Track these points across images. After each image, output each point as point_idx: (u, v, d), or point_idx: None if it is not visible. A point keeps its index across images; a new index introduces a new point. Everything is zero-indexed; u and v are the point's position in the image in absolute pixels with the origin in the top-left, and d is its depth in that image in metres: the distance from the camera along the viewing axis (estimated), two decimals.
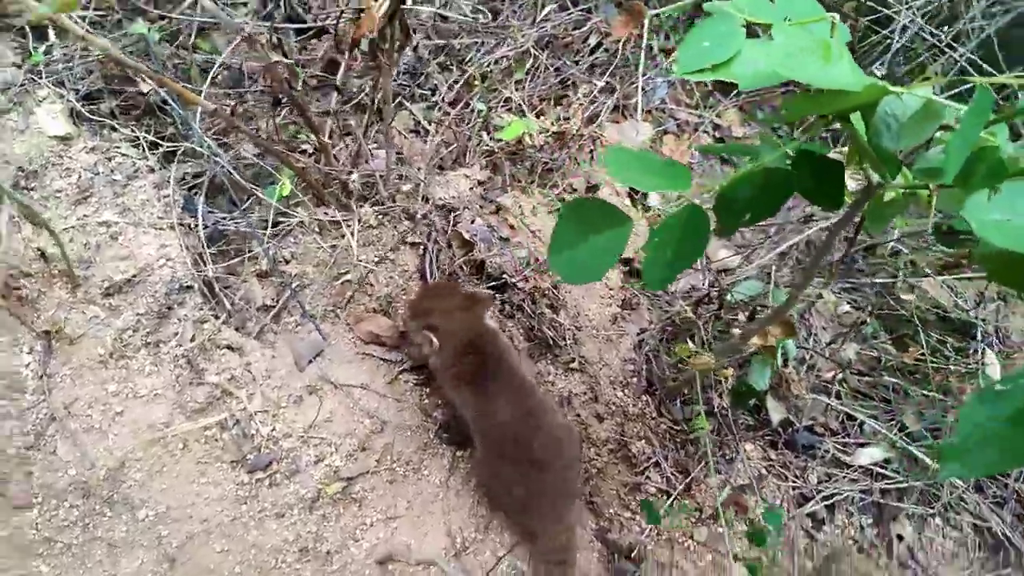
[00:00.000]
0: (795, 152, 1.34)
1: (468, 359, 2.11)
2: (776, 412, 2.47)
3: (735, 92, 3.42)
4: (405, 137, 3.13)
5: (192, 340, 2.07)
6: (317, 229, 2.51)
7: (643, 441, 2.28)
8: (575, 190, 2.95)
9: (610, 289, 2.68)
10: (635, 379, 2.40)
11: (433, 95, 3.27)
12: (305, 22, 2.60)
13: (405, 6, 1.86)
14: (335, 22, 2.48)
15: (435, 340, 2.13)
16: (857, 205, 1.46)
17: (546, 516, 2.05)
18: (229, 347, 2.13)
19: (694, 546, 2.22)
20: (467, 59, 3.34)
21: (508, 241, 2.60)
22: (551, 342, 2.45)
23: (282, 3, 2.50)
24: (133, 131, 2.36)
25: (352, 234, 2.41)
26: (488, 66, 3.29)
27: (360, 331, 2.47)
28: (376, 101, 2.37)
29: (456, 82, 3.31)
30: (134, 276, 2.06)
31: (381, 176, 2.61)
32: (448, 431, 2.31)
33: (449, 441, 2.31)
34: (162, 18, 2.49)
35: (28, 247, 2.01)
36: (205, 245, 2.25)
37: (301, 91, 2.18)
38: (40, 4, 1.28)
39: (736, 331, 2.40)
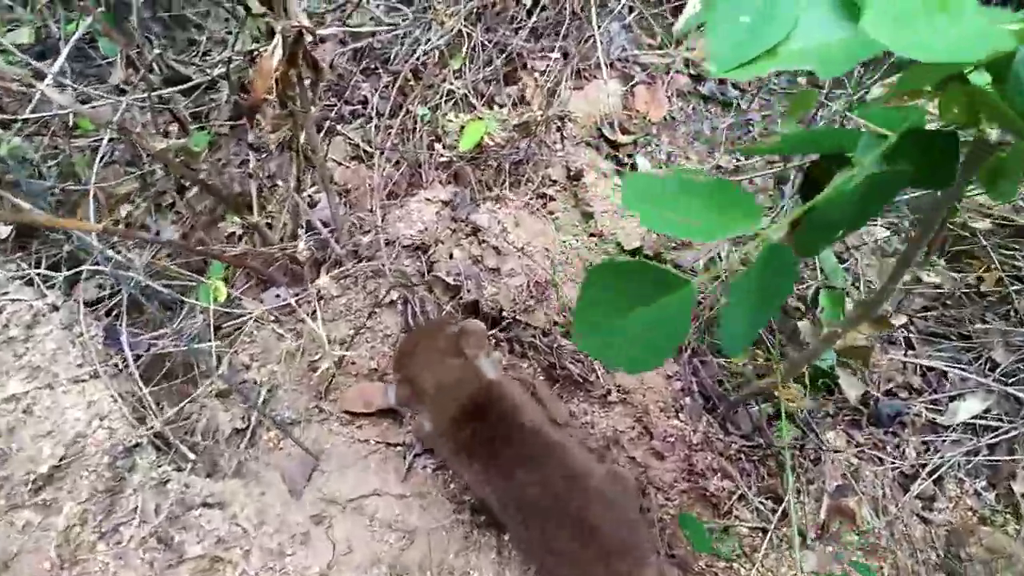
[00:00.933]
0: (899, 136, 0.95)
1: (467, 425, 1.72)
2: (852, 387, 2.11)
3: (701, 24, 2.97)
4: (347, 167, 2.69)
5: (157, 511, 1.67)
6: (273, 318, 2.09)
7: (718, 475, 1.91)
8: (554, 182, 2.52)
9: None
10: (688, 399, 2.02)
11: (365, 107, 2.81)
12: (190, 79, 2.13)
13: (306, 39, 1.41)
14: (226, 71, 2.02)
15: (392, 393, 1.84)
16: (969, 171, 1.09)
17: None
18: (205, 504, 1.73)
19: None
20: (391, 57, 2.87)
21: (499, 271, 2.19)
22: (579, 377, 2.06)
23: (155, 65, 2.03)
24: (19, 266, 1.91)
25: (316, 314, 1.99)
26: (419, 59, 2.82)
27: (348, 407, 2.08)
28: (300, 151, 1.93)
29: (387, 86, 2.85)
30: (64, 456, 1.65)
31: (331, 231, 2.18)
32: (485, 511, 1.93)
33: (490, 523, 1.94)
34: (10, 123, 2.02)
35: None
36: (142, 384, 1.84)
37: (210, 166, 1.73)
38: None
39: (801, 323, 2.01)
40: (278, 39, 1.32)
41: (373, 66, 2.91)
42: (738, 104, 2.92)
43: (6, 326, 1.78)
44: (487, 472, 1.71)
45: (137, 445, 1.73)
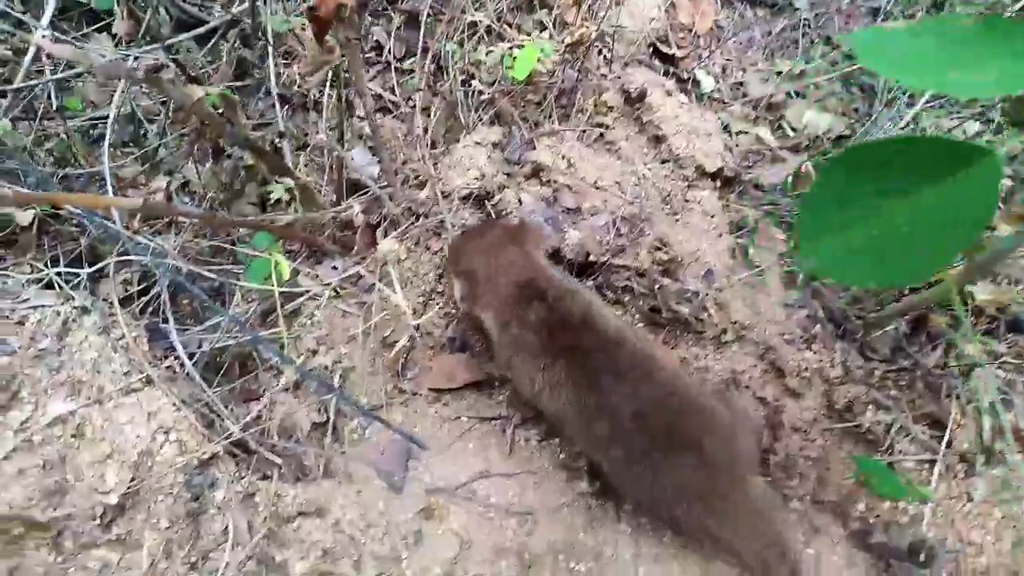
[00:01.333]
0: None
1: (529, 310, 1.52)
2: (985, 292, 1.90)
3: None
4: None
5: (251, 529, 1.42)
6: (334, 293, 1.82)
7: (870, 407, 1.69)
8: (610, 108, 2.25)
9: (710, 216, 2.03)
10: (816, 326, 1.79)
11: (380, 54, 2.51)
12: (205, 21, 1.80)
13: None
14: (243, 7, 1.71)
15: (458, 287, 1.61)
16: None
17: (741, 530, 1.46)
18: (302, 513, 1.48)
19: (977, 509, 1.68)
20: None
21: (579, 211, 1.93)
22: (687, 319, 1.82)
23: (163, 8, 1.71)
24: (32, 268, 1.62)
25: (393, 283, 1.72)
26: None
27: (433, 384, 1.83)
28: (343, 96, 1.64)
29: (400, 27, 2.54)
30: (132, 482, 1.38)
31: (383, 187, 1.91)
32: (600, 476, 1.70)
33: (606, 491, 1.71)
34: (0, 95, 1.69)
35: None
36: (206, 383, 1.57)
37: (242, 124, 1.45)
38: None
39: None
40: None
41: (381, 6, 2.60)
42: (789, 3, 2.65)
43: (33, 338, 1.50)
44: (560, 371, 1.49)
45: (213, 457, 1.47)
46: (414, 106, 2.32)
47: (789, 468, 1.75)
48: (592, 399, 1.45)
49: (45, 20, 1.43)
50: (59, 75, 1.67)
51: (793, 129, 2.33)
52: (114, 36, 1.84)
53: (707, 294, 1.80)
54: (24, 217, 1.60)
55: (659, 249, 1.85)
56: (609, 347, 1.48)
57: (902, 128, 2.11)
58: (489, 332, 1.62)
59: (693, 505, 1.44)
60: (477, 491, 1.67)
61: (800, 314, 1.81)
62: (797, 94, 2.44)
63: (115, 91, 1.73)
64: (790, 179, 2.16)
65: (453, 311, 1.85)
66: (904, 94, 2.22)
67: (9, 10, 1.46)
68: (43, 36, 1.31)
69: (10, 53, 1.57)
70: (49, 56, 1.62)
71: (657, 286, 1.83)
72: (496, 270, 1.58)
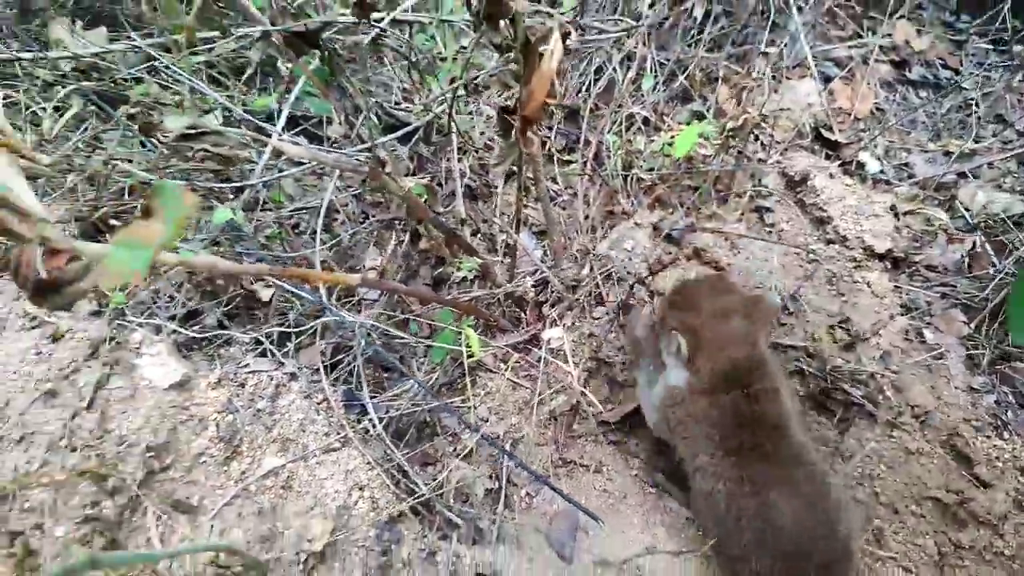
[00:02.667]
0: None
1: (731, 392, 1.49)
2: None
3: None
4: (536, 209, 2.56)
5: None
6: (502, 366, 1.94)
7: None
8: (770, 193, 2.29)
9: (880, 298, 1.99)
10: (1009, 413, 1.70)
11: (543, 146, 2.69)
12: (407, 123, 2.05)
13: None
14: (436, 113, 1.93)
15: (683, 344, 1.52)
16: None
17: None
18: (479, 574, 1.55)
19: None
20: (560, 94, 2.76)
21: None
22: (861, 400, 1.78)
23: (371, 113, 1.97)
24: (252, 335, 1.85)
25: (566, 354, 1.81)
26: (587, 88, 2.70)
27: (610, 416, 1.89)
28: (521, 184, 1.80)
29: (560, 122, 2.73)
30: (332, 533, 1.51)
31: (551, 267, 2.03)
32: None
33: None
34: (238, 191, 1.99)
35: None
36: (393, 446, 1.70)
37: (437, 212, 1.62)
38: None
39: None
40: (556, 36, 1.19)
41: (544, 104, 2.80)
42: (956, 84, 2.61)
43: (252, 399, 1.70)
44: (730, 462, 1.48)
45: (401, 515, 1.59)
46: (574, 193, 2.46)
47: (977, 564, 1.63)
48: (751, 503, 1.46)
49: (280, 124, 1.69)
50: (290, 171, 1.93)
51: (966, 210, 2.25)
52: (326, 139, 2.12)
53: (883, 375, 1.75)
54: (266, 293, 1.85)
55: (839, 326, 1.84)
56: (790, 448, 1.48)
57: None
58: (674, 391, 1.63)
59: None
60: (644, 567, 1.68)
61: (988, 400, 1.72)
62: (968, 175, 2.37)
63: (315, 187, 1.98)
64: (966, 260, 2.09)
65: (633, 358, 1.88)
66: None
67: (256, 121, 1.73)
68: (279, 138, 1.55)
69: (247, 153, 1.85)
70: (278, 155, 1.89)
71: (829, 367, 1.81)
72: (721, 338, 1.53)
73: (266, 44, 1.54)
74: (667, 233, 2.26)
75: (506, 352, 1.91)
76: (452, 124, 1.73)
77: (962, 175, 2.37)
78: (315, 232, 2.54)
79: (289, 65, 1.81)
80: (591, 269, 2.08)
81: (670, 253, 2.22)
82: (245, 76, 2.18)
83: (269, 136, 1.69)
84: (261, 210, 2.30)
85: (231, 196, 2.04)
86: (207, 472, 1.58)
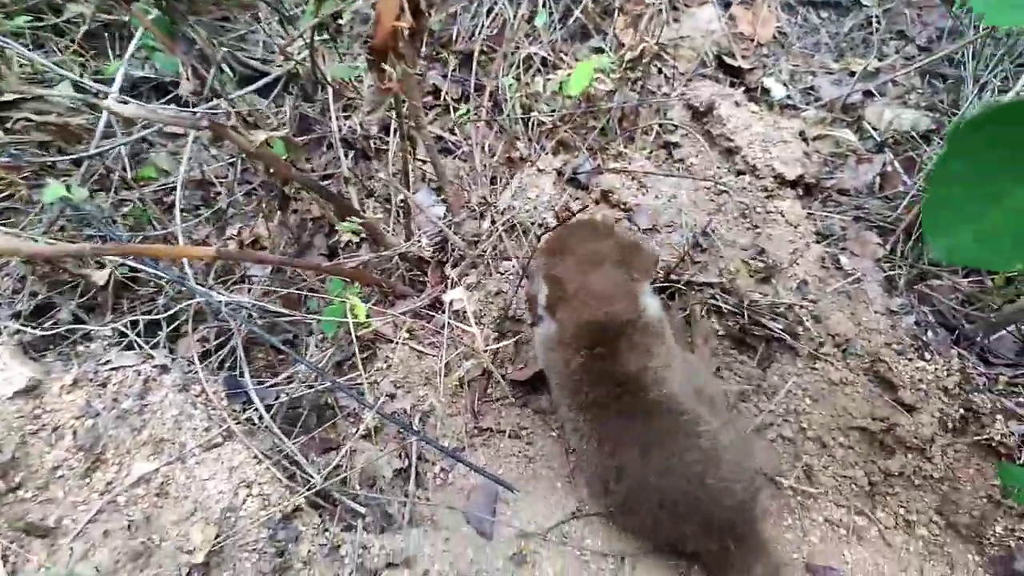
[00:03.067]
0: None
1: (592, 355, 1.37)
2: None
3: None
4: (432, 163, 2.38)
5: None
6: (407, 334, 1.78)
7: (999, 416, 1.52)
8: (676, 127, 2.17)
9: (794, 227, 1.91)
10: (929, 332, 1.64)
11: (437, 97, 2.50)
12: (266, 72, 1.82)
13: None
14: (298, 58, 1.72)
15: (541, 298, 1.41)
16: None
17: None
18: (390, 564, 1.42)
19: None
20: (454, 37, 2.57)
21: (655, 229, 1.84)
22: (782, 334, 1.70)
23: (226, 65, 1.75)
24: (115, 328, 1.64)
25: (468, 316, 1.66)
26: (478, 31, 2.52)
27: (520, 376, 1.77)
28: (406, 133, 1.62)
29: (455, 70, 2.54)
30: (217, 539, 1.34)
31: (449, 223, 1.87)
32: None
33: None
34: (75, 163, 1.74)
35: None
36: (284, 434, 1.53)
37: (308, 170, 1.44)
38: None
39: None
40: None
41: (435, 51, 2.61)
42: (856, 1, 2.54)
43: (116, 400, 1.50)
44: (598, 423, 1.40)
45: (296, 510, 1.43)
46: (474, 143, 2.30)
47: (907, 490, 1.59)
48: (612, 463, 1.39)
49: (115, 87, 1.46)
50: (132, 137, 1.70)
51: (874, 129, 2.19)
52: (179, 99, 1.89)
53: (802, 307, 1.67)
54: (100, 276, 1.62)
55: (754, 259, 1.74)
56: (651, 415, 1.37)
57: None
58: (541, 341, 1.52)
59: None
60: (570, 533, 1.57)
61: (907, 321, 1.66)
62: (874, 93, 2.31)
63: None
64: (878, 180, 2.03)
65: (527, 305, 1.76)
66: (996, 78, 2.06)
67: (84, 85, 1.50)
68: (113, 99, 1.33)
69: (85, 121, 1.61)
70: (120, 121, 1.66)
71: (747, 302, 1.72)
72: (589, 290, 1.38)
73: None
74: (572, 177, 2.13)
75: (406, 319, 1.76)
76: (316, 72, 1.53)
77: (868, 94, 2.31)
78: (197, 208, 2.34)
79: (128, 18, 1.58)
80: (492, 222, 1.93)
81: (577, 199, 2.09)
82: (82, 32, 1.90)
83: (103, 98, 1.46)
84: (125, 188, 2.06)
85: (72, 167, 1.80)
86: (66, 487, 1.39)
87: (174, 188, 2.14)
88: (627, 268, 1.40)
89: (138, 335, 1.64)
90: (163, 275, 1.64)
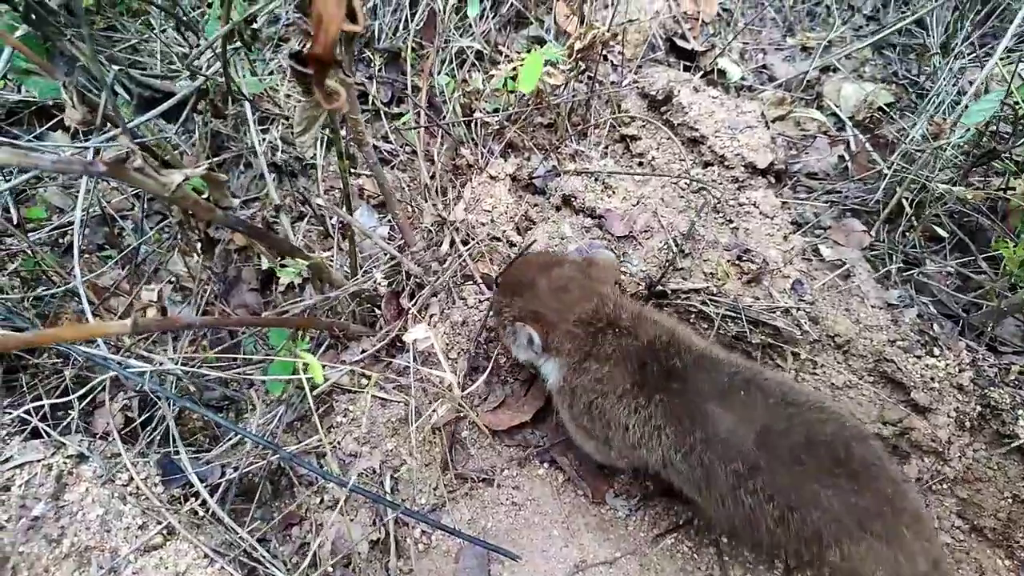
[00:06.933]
0: None
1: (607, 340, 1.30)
2: None
3: None
4: (368, 176, 2.14)
5: None
6: (363, 382, 1.56)
7: (1020, 411, 1.42)
8: (632, 119, 2.01)
9: (770, 218, 1.78)
10: (935, 326, 1.53)
11: (364, 101, 2.26)
12: (170, 92, 1.54)
13: None
14: (206, 77, 1.46)
15: (534, 335, 1.33)
16: None
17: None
18: None
19: None
20: (377, 35, 2.33)
21: (631, 237, 1.67)
22: (781, 335, 1.56)
23: (118, 86, 1.46)
24: (13, 416, 1.36)
25: (437, 357, 1.46)
26: (403, 25, 2.29)
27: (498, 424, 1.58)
28: (344, 151, 1.39)
29: (380, 70, 2.30)
30: None
31: (400, 248, 1.66)
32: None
33: None
34: None
35: None
36: (236, 522, 1.30)
37: (229, 208, 1.20)
38: None
39: None
40: None
41: (357, 51, 2.36)
42: None
43: (24, 506, 1.23)
44: (667, 406, 1.25)
45: None
46: (413, 151, 2.07)
47: (925, 496, 1.49)
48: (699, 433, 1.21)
49: None
50: (12, 182, 1.40)
51: (836, 106, 2.08)
52: (68, 129, 1.60)
53: (799, 308, 1.54)
54: None
55: (739, 261, 1.60)
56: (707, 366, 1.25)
57: (971, 81, 1.87)
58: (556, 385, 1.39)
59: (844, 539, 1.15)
60: None
61: (910, 314, 1.55)
62: (829, 69, 2.21)
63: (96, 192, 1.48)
64: (848, 160, 1.92)
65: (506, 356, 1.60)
66: (965, 43, 1.97)
67: None
68: None
69: None
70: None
71: (740, 306, 1.57)
72: (566, 306, 1.35)
73: None
74: (528, 182, 1.94)
75: (363, 366, 1.54)
76: (230, 86, 1.28)
77: (824, 70, 2.20)
78: (101, 248, 2.05)
79: None
80: (452, 243, 1.72)
81: (536, 205, 1.90)
82: None
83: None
84: (6, 235, 1.75)
85: None
86: None
87: (70, 227, 1.85)
88: (590, 279, 1.38)
89: (43, 420, 1.36)
90: (70, 351, 1.37)
